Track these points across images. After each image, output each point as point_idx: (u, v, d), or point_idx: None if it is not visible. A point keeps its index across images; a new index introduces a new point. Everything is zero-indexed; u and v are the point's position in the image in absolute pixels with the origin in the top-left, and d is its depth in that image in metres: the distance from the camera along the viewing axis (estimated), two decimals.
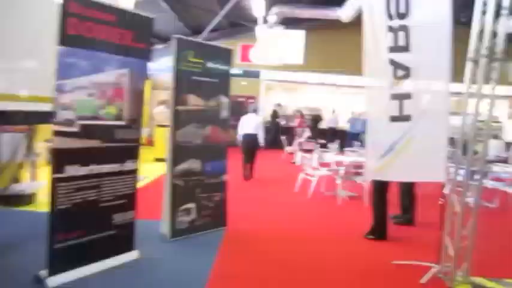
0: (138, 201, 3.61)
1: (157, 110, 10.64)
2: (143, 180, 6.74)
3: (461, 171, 3.59)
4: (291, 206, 6.25)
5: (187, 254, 3.88)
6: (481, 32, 3.28)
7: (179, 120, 4.16)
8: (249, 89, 14.69)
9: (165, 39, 13.54)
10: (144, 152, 3.72)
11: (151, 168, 7.78)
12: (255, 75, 14.77)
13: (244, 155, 8.15)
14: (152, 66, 14.04)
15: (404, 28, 3.51)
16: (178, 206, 4.20)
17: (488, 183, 6.39)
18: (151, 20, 3.51)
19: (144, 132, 12.55)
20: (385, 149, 3.67)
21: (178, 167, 4.15)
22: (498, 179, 6.77)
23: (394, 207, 5.10)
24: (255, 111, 8.39)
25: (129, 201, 3.50)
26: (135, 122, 3.46)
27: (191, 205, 4.29)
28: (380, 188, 4.63)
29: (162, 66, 12.66)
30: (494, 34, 3.22)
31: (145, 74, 3.54)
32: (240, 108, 10.78)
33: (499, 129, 14.42)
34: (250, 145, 7.99)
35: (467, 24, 4.56)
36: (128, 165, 3.45)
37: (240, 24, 13.93)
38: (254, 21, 12.25)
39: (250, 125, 7.92)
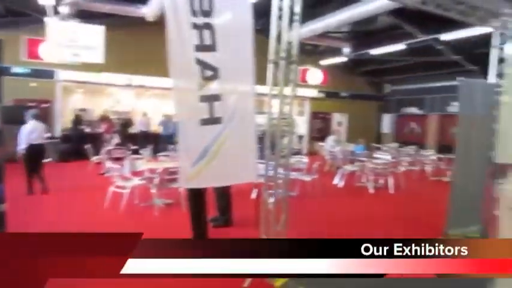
0: None
1: None
2: None
3: (270, 167, 3.74)
4: (100, 226, 5.44)
5: None
6: (279, 36, 3.44)
7: None
8: (42, 92, 12.43)
9: None
10: None
11: None
12: (48, 75, 12.58)
13: (28, 169, 7.04)
14: None
15: (209, 26, 3.37)
16: None
17: (290, 174, 7.15)
18: None
19: None
20: (198, 155, 3.48)
21: None
22: (295, 169, 7.64)
23: (210, 209, 5.01)
24: (35, 117, 7.13)
25: None
26: None
27: None
28: (196, 192, 4.43)
29: None
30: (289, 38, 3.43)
31: None
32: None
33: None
34: (37, 157, 7.08)
35: (261, 31, 4.87)
36: None
37: (25, 13, 11.61)
38: (43, 11, 10.37)
39: (32, 134, 6.92)
